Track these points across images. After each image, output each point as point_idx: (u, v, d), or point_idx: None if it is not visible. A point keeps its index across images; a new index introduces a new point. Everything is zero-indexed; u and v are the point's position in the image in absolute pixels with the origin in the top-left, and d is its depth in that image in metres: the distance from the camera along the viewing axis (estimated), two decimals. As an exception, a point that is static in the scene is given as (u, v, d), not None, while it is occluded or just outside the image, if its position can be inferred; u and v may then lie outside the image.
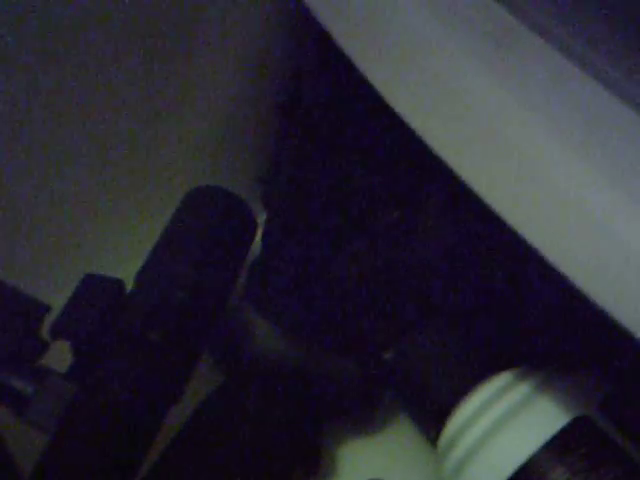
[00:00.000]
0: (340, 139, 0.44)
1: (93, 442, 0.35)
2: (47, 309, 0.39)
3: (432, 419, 0.40)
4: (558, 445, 0.34)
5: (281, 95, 0.49)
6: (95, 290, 0.40)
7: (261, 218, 0.48)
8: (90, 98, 0.45)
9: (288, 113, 0.48)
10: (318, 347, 0.42)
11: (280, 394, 0.40)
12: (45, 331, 0.39)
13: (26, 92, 0.43)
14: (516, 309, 0.40)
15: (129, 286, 0.41)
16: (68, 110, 0.45)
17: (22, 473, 0.37)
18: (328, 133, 0.44)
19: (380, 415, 0.46)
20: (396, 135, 0.38)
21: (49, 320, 0.39)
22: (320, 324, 0.42)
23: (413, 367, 0.41)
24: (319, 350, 0.42)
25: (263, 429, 0.39)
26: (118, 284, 0.41)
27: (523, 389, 0.37)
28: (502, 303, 0.40)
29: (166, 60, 0.47)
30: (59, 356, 0.39)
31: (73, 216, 0.47)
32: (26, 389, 0.37)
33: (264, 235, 0.48)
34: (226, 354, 0.45)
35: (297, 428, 0.40)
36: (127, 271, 0.42)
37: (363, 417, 0.45)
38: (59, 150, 0.46)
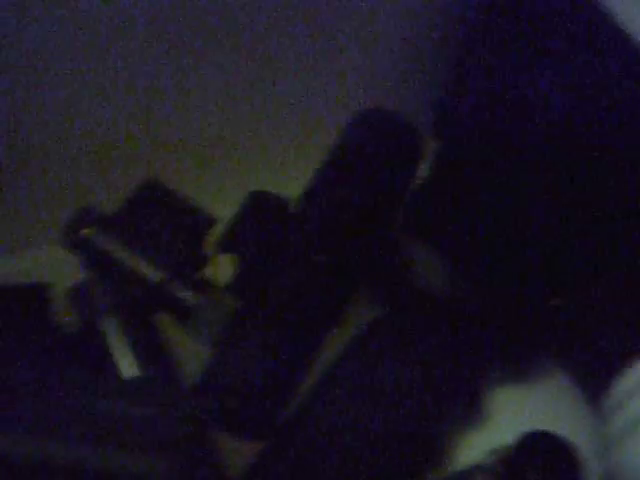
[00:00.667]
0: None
1: (253, 357, 0.36)
2: (214, 222, 0.40)
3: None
4: None
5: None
6: (261, 207, 0.40)
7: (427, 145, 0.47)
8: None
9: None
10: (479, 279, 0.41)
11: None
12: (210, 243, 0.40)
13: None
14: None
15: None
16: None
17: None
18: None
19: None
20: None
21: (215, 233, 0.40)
22: (483, 255, 0.41)
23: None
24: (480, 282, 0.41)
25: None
26: (283, 202, 0.41)
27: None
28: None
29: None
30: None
31: (241, 132, 0.47)
32: (189, 299, 0.38)
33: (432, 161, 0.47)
34: (385, 281, 0.45)
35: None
36: (293, 189, 0.42)
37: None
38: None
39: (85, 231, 0.39)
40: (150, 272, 0.38)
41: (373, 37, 0.48)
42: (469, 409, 0.41)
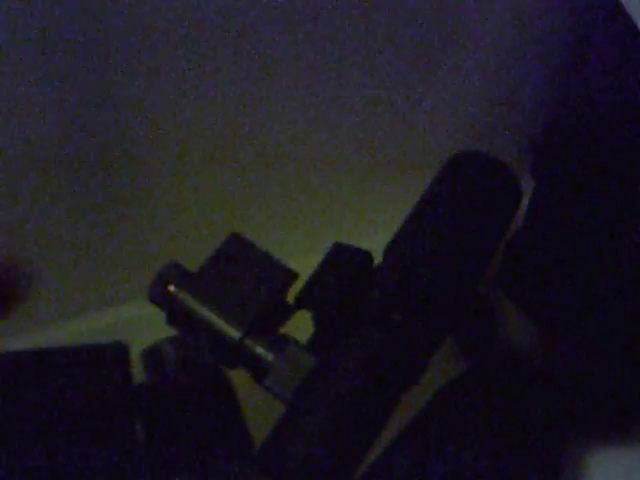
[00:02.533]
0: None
1: (325, 419, 0.35)
2: (295, 276, 0.39)
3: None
4: None
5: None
6: (342, 261, 0.40)
7: (527, 189, 0.45)
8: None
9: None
10: (571, 347, 0.39)
11: (523, 392, 0.38)
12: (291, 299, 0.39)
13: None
14: None
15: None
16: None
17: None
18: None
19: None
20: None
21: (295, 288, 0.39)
22: (579, 323, 0.39)
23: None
24: (572, 350, 0.39)
25: (504, 427, 0.37)
26: (366, 256, 0.40)
27: None
28: None
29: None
30: (304, 324, 0.39)
31: (324, 179, 0.47)
32: (267, 356, 0.37)
33: (528, 210, 0.45)
34: (471, 339, 0.43)
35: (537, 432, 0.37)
36: (376, 243, 0.41)
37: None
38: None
39: (171, 287, 0.39)
40: (230, 329, 0.38)
41: (465, 77, 0.46)
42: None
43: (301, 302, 0.39)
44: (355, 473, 0.35)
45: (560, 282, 0.40)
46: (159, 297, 0.39)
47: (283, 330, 0.38)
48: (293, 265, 0.39)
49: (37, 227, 0.44)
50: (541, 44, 0.46)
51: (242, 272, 0.39)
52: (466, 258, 0.40)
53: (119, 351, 0.39)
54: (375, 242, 0.41)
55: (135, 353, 0.41)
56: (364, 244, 0.40)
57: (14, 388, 0.36)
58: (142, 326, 0.43)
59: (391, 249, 0.41)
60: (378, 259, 0.40)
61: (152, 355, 0.41)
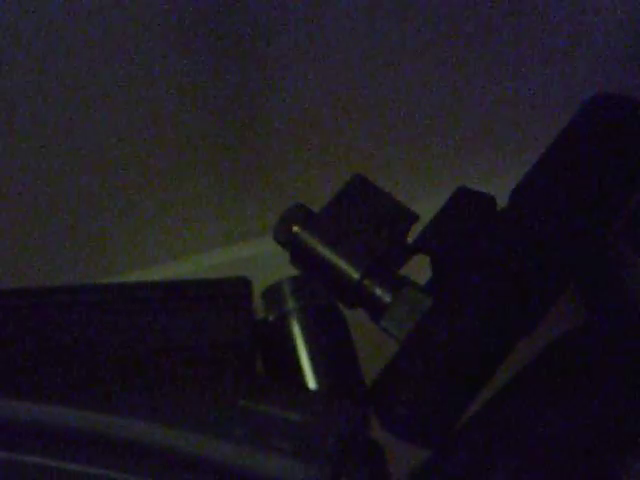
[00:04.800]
0: None
1: (437, 362, 0.35)
2: (416, 218, 0.40)
3: None
4: None
5: None
6: (465, 205, 0.39)
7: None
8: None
9: None
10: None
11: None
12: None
13: None
14: None
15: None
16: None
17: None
18: None
19: None
20: None
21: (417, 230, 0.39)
22: None
23: None
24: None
25: (620, 381, 0.36)
26: (490, 201, 0.39)
27: None
28: None
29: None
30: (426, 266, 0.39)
31: (448, 126, 0.47)
32: (385, 297, 0.38)
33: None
34: (594, 293, 0.42)
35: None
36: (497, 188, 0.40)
37: None
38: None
39: (295, 227, 0.40)
40: (349, 269, 0.38)
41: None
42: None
43: (419, 246, 0.39)
44: (461, 417, 0.35)
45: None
46: (283, 237, 0.40)
47: (405, 272, 0.39)
48: (416, 208, 0.40)
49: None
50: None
51: (363, 213, 0.40)
52: (596, 206, 0.39)
53: (243, 285, 0.40)
54: (502, 186, 0.40)
55: (258, 290, 0.42)
56: (491, 189, 0.39)
57: (144, 315, 0.38)
58: (266, 264, 0.44)
59: (517, 194, 0.40)
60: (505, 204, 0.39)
61: (272, 293, 0.42)
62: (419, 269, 0.38)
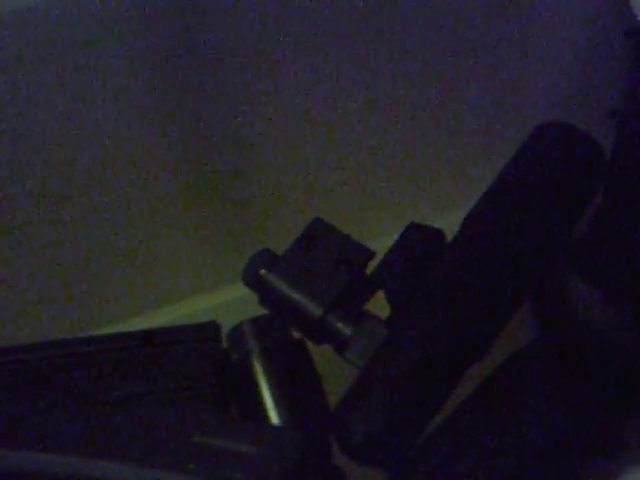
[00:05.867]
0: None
1: (387, 391, 0.37)
2: (372, 255, 0.42)
3: None
4: None
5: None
6: (415, 240, 0.41)
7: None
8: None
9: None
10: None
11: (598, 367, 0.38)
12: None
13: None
14: None
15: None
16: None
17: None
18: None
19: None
20: None
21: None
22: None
23: None
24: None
25: (576, 393, 0.38)
26: (439, 235, 0.41)
27: None
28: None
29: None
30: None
31: (397, 161, 0.49)
32: (346, 330, 0.40)
33: (607, 182, 0.45)
34: (542, 314, 0.44)
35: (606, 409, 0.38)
36: (450, 220, 0.42)
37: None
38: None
39: (262, 271, 0.42)
40: (313, 306, 0.41)
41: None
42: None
43: (375, 281, 0.41)
44: (418, 437, 0.37)
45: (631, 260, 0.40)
46: (251, 280, 0.42)
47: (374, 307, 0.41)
48: (372, 246, 0.42)
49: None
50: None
51: (323, 254, 0.42)
52: (544, 232, 0.41)
53: (213, 329, 0.42)
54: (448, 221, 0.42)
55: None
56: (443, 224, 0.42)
57: (116, 364, 0.40)
58: (239, 309, 0.46)
59: (465, 225, 0.42)
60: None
61: (234, 334, 0.44)
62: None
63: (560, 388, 0.38)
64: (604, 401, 0.38)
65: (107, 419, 0.34)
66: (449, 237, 0.42)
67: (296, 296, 0.41)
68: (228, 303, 0.50)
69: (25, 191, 0.44)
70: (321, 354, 0.43)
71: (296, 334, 0.43)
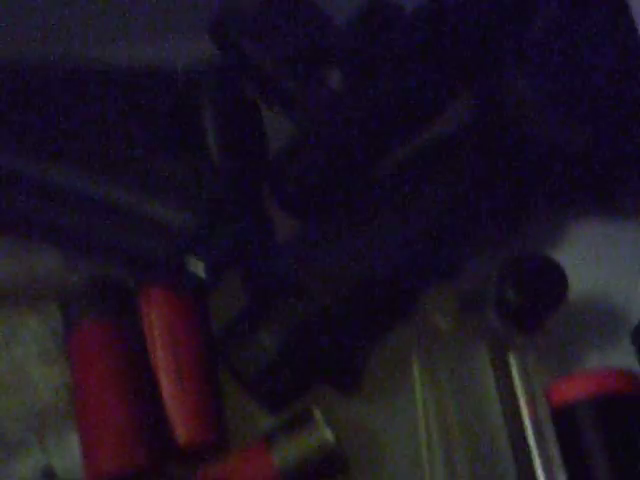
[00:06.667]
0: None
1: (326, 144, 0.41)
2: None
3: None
4: None
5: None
6: (376, 13, 0.43)
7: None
8: None
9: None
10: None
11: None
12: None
13: None
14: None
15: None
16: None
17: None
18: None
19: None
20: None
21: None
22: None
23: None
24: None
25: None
26: (397, 8, 0.43)
27: None
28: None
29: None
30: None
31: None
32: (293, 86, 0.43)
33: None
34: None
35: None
36: None
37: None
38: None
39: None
40: (269, 63, 0.43)
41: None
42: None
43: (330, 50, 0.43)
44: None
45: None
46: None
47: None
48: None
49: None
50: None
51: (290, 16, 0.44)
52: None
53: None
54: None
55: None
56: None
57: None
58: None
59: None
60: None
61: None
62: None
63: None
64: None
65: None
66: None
67: (253, 48, 0.43)
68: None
69: None
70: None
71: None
